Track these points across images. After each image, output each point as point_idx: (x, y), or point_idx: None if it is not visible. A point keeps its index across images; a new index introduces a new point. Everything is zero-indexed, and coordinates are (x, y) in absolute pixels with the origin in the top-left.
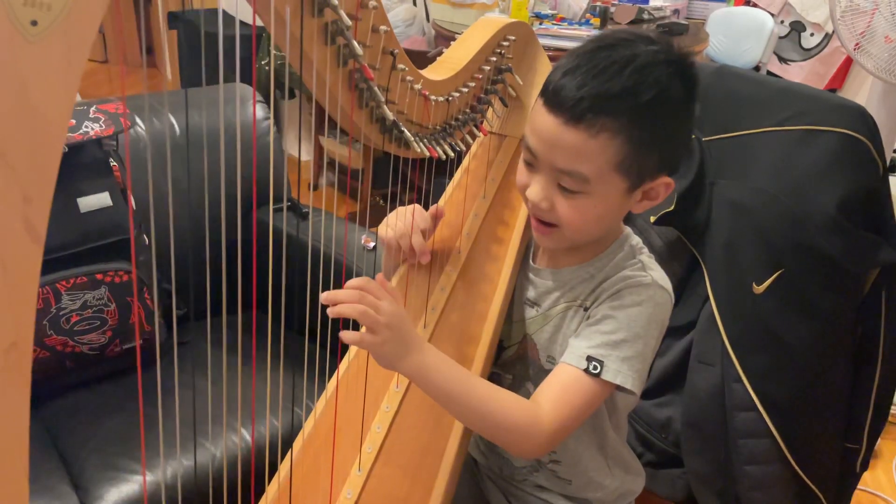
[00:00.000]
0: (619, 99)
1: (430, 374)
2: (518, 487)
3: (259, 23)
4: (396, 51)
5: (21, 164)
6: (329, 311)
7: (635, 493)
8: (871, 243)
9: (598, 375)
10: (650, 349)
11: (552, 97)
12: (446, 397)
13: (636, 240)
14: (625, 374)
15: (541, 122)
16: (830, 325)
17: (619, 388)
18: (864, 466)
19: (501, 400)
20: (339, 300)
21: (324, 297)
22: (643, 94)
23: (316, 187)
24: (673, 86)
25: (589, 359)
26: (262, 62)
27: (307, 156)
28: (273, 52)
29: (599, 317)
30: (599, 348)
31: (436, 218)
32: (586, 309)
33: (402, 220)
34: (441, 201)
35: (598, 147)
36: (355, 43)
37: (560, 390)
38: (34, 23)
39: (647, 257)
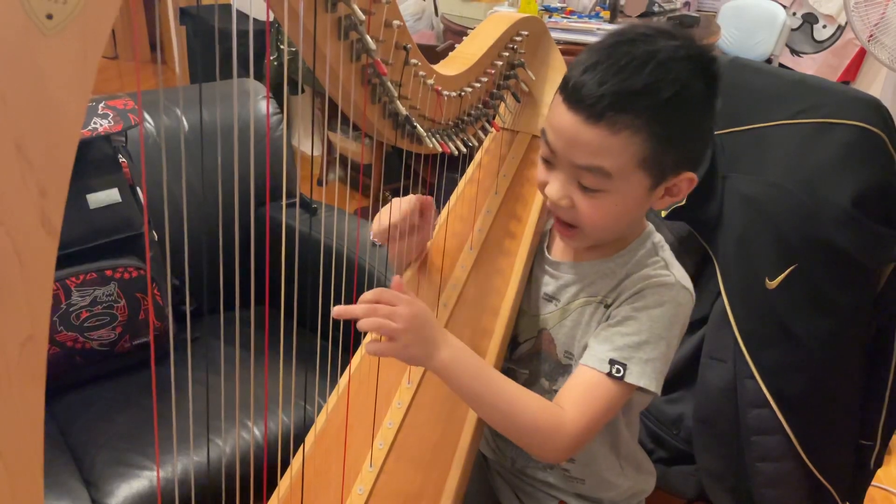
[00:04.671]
0: (641, 96)
1: (456, 371)
2: (529, 483)
3: (271, 18)
4: (409, 46)
5: (37, 158)
6: (359, 325)
7: (646, 493)
8: (887, 238)
9: (621, 378)
10: (672, 350)
11: (572, 94)
12: (469, 395)
13: (658, 237)
14: (648, 375)
15: (560, 119)
16: (845, 321)
17: (640, 388)
18: (878, 463)
19: (526, 402)
20: (353, 315)
21: (336, 311)
22: (664, 90)
23: (321, 182)
24: (694, 82)
25: (612, 362)
26: (271, 57)
27: (315, 151)
28: (282, 47)
29: (621, 318)
30: (622, 351)
31: (425, 207)
32: (607, 306)
33: (388, 213)
34: (453, 198)
35: (619, 144)
36: (368, 38)
37: (582, 395)
38: (50, 16)
39: (668, 255)
